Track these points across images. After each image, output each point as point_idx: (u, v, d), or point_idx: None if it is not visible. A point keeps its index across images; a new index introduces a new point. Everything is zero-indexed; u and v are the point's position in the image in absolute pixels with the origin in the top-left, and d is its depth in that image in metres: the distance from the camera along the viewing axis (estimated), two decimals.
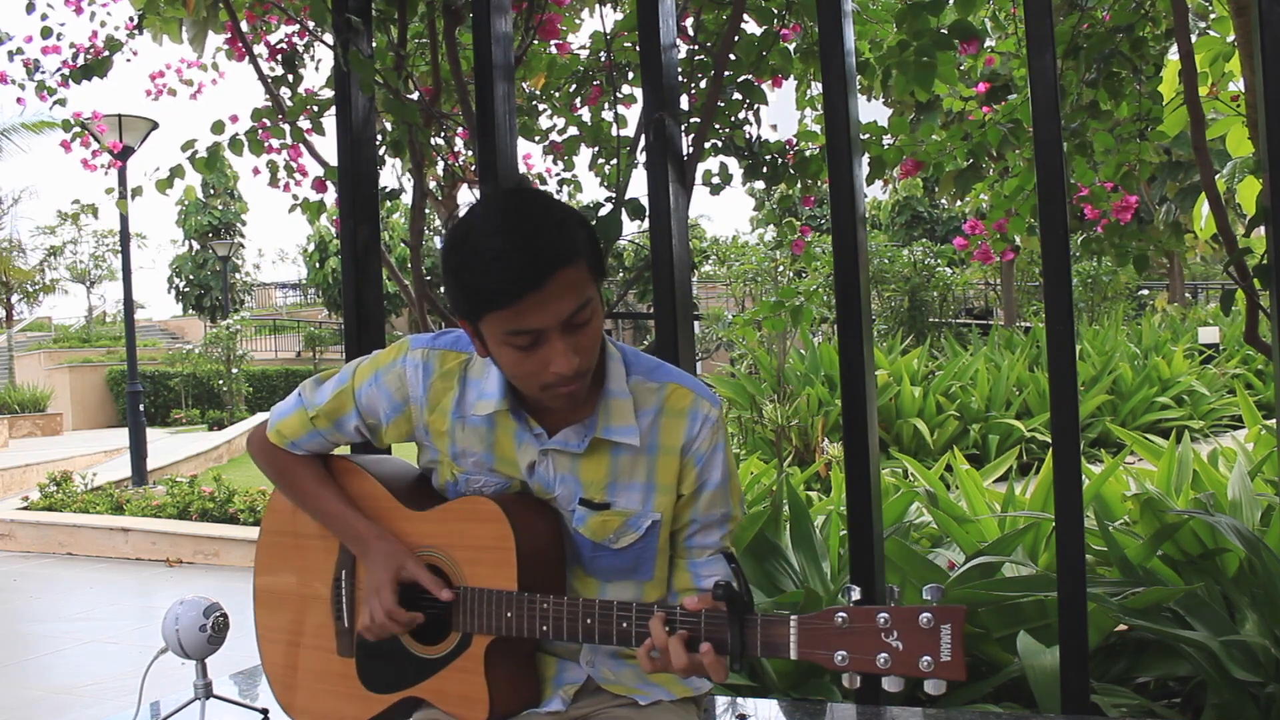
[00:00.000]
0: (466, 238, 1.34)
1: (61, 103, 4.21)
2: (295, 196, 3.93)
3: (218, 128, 3.54)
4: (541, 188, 1.42)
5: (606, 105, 3.59)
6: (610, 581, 1.56)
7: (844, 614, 1.24)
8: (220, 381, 18.91)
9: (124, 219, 11.44)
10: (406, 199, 3.57)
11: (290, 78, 3.73)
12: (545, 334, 1.34)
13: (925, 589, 1.22)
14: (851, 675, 1.24)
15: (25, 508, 9.87)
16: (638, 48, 2.82)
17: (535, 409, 1.51)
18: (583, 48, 3.71)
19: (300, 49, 3.80)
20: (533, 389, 1.42)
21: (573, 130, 3.66)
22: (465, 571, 1.52)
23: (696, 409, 1.52)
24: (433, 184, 3.93)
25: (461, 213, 1.53)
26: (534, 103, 3.78)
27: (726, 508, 1.56)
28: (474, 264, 1.32)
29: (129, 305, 12.25)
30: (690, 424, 1.51)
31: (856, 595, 1.26)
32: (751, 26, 3.20)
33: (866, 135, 3.46)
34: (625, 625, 1.38)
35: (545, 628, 1.44)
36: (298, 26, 3.70)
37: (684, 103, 3.18)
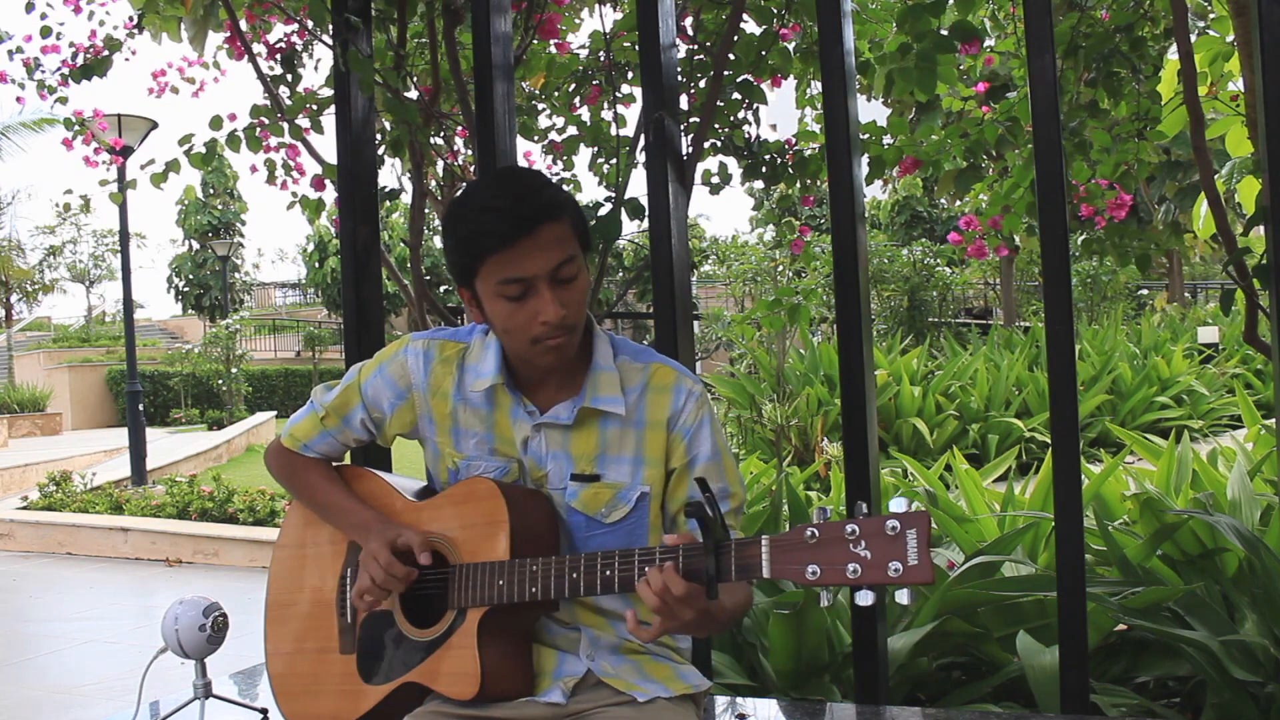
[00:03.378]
0: (465, 201, 1.49)
1: (62, 101, 4.21)
2: (294, 194, 3.93)
3: (216, 124, 3.54)
4: None
5: (606, 105, 3.59)
6: None
7: (813, 529, 1.28)
8: (220, 381, 18.90)
9: (123, 218, 11.43)
10: (406, 199, 3.57)
11: (289, 77, 3.72)
12: (534, 283, 1.46)
13: (892, 500, 1.26)
14: (826, 591, 1.28)
15: (25, 507, 9.86)
16: (637, 47, 2.82)
17: (528, 386, 1.58)
18: (582, 47, 3.71)
19: (299, 48, 3.79)
20: (523, 343, 1.50)
21: (572, 130, 3.65)
22: (463, 550, 1.55)
23: (680, 384, 1.59)
24: (432, 184, 3.93)
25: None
26: (533, 102, 3.78)
27: (723, 483, 1.59)
28: (473, 218, 1.46)
29: (128, 305, 12.25)
30: (675, 398, 1.58)
31: (829, 514, 1.30)
32: (751, 26, 3.20)
33: (866, 135, 3.46)
34: (609, 573, 1.43)
35: (534, 589, 1.47)
36: (297, 26, 3.69)
37: (683, 102, 3.18)
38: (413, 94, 3.45)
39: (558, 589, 1.46)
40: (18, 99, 5.12)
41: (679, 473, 1.58)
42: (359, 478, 1.72)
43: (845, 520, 1.26)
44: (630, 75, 3.57)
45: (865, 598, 1.25)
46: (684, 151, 2.67)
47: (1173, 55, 3.48)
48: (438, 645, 1.55)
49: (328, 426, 1.69)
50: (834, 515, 1.29)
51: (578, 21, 3.77)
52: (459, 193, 1.53)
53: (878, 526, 1.24)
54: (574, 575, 1.45)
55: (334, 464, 1.75)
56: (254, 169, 3.92)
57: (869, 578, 1.24)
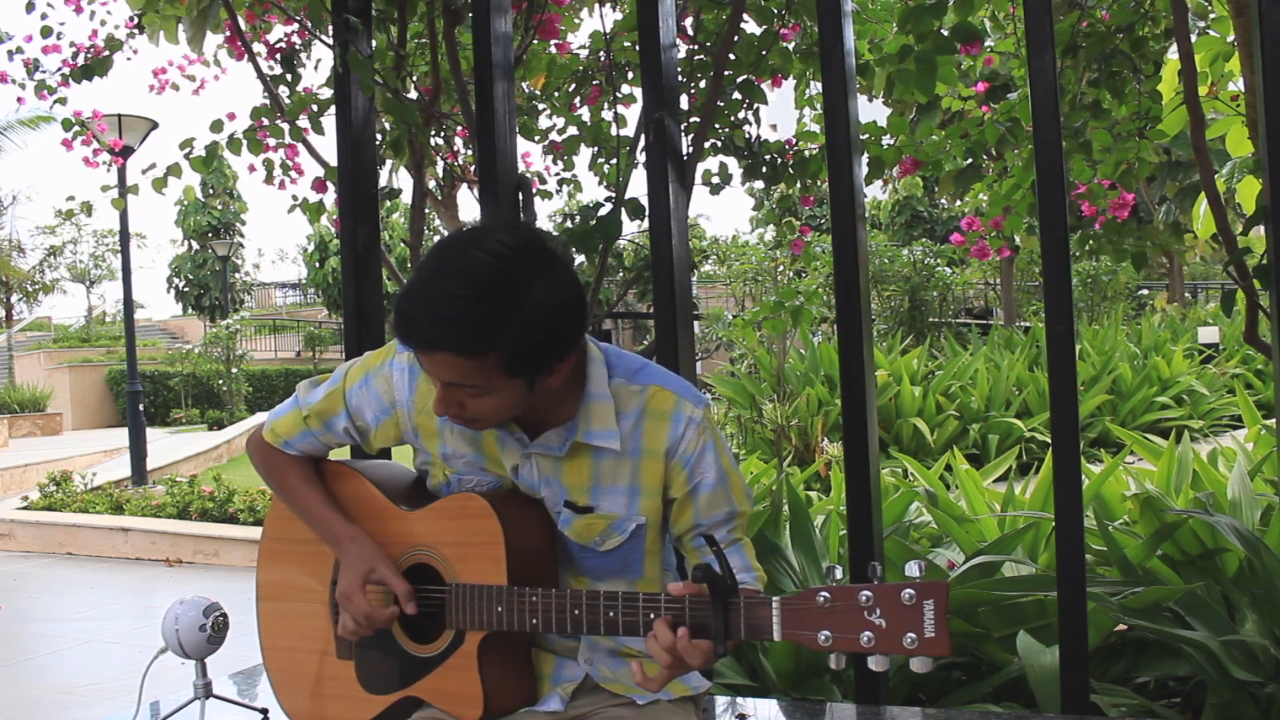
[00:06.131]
0: (420, 262, 1.41)
1: (62, 102, 4.20)
2: (294, 196, 3.93)
3: (216, 126, 3.54)
4: (512, 231, 1.32)
5: (606, 105, 3.59)
6: (601, 580, 1.56)
7: (826, 593, 1.24)
8: (220, 381, 18.90)
9: (124, 219, 11.43)
10: (406, 199, 3.57)
11: (289, 77, 3.73)
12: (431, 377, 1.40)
13: (907, 565, 1.22)
14: (838, 656, 1.24)
15: (25, 507, 9.86)
16: (637, 47, 2.82)
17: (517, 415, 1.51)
18: (582, 47, 3.71)
19: (299, 48, 3.80)
20: None
21: (573, 130, 3.65)
22: (457, 568, 1.52)
23: (679, 411, 1.51)
24: (432, 184, 3.93)
25: (465, 218, 1.54)
26: (534, 103, 3.78)
27: (730, 506, 1.55)
28: (400, 296, 1.37)
29: (129, 305, 12.25)
30: (674, 427, 1.50)
31: (839, 575, 1.27)
32: (751, 26, 3.20)
33: (866, 135, 3.46)
34: (612, 615, 1.39)
35: (535, 621, 1.45)
36: (296, 26, 3.69)
37: (684, 103, 3.18)
38: (413, 94, 3.45)
39: (559, 624, 1.44)
40: (18, 99, 5.10)
41: (681, 501, 1.53)
42: (343, 477, 1.66)
43: (859, 586, 1.23)
44: (630, 75, 3.58)
45: (879, 663, 1.22)
46: (684, 151, 2.67)
47: (1173, 55, 3.47)
48: (437, 663, 1.54)
49: (310, 427, 1.62)
50: (844, 564, 1.26)
51: (578, 21, 3.77)
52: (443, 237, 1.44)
53: (893, 595, 1.20)
54: (575, 612, 1.42)
55: (319, 460, 1.68)
56: (252, 169, 3.92)
57: (883, 647, 1.20)
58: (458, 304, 1.31)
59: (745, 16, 3.07)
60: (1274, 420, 4.87)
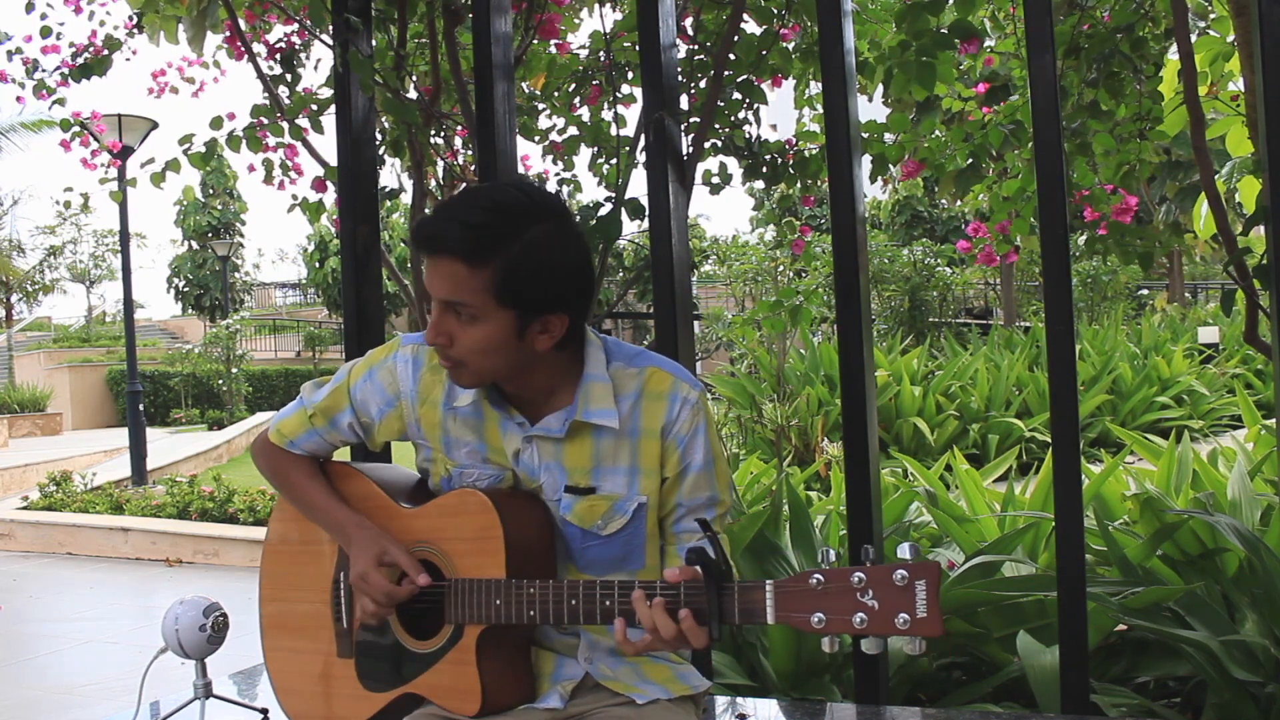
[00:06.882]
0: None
1: (60, 102, 4.20)
2: (294, 196, 3.93)
3: (216, 124, 3.53)
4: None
5: (606, 105, 3.59)
6: (604, 574, 1.56)
7: (819, 576, 1.25)
8: (220, 381, 18.90)
9: (124, 219, 11.43)
10: (406, 199, 3.57)
11: (289, 77, 3.73)
12: (431, 296, 1.46)
13: (900, 547, 1.23)
14: (831, 639, 1.25)
15: (25, 507, 9.86)
16: (637, 47, 2.83)
17: (517, 398, 1.55)
18: (582, 47, 3.71)
19: (299, 48, 3.80)
20: None
21: (572, 130, 3.65)
22: (457, 564, 1.53)
23: (676, 391, 1.54)
24: (432, 184, 3.93)
25: None
26: (534, 103, 3.78)
27: (712, 491, 1.57)
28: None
29: (129, 305, 12.25)
30: (670, 406, 1.54)
31: (833, 558, 1.28)
32: (751, 26, 3.20)
33: (866, 134, 3.46)
34: (609, 603, 1.40)
35: (533, 612, 1.46)
36: (296, 26, 3.69)
37: (684, 103, 3.18)
38: (413, 94, 3.45)
39: (556, 615, 1.44)
40: (18, 99, 5.08)
41: (671, 481, 1.56)
42: (346, 477, 1.68)
43: (852, 568, 1.24)
44: (630, 75, 3.57)
45: (872, 645, 1.24)
46: (684, 151, 2.67)
47: (1173, 55, 3.47)
48: (436, 659, 1.55)
49: (315, 426, 1.65)
50: (840, 559, 1.27)
51: (578, 21, 3.76)
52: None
53: (885, 576, 1.21)
54: (573, 602, 1.43)
55: (323, 461, 1.70)
56: (252, 168, 3.92)
57: (876, 628, 1.22)
58: (472, 211, 1.41)
59: (745, 16, 3.07)
60: (1274, 420, 4.87)
